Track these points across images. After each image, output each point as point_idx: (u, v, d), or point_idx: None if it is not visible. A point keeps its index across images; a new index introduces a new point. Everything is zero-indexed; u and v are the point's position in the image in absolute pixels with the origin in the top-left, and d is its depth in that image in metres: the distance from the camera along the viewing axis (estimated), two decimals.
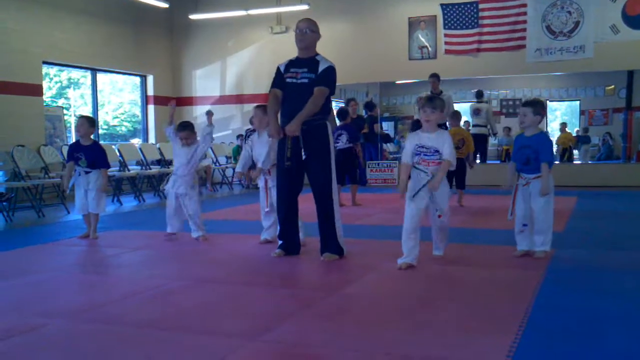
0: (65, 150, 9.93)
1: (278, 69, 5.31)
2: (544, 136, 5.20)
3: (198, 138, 6.50)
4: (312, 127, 5.07)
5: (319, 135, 5.11)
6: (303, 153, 5.05)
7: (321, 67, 5.12)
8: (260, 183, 5.94)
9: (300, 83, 5.13)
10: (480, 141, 12.99)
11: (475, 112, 13.33)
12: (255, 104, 6.08)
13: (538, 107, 5.07)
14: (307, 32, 5.20)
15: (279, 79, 5.25)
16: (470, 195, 9.10)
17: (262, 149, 5.82)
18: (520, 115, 5.10)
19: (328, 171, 5.14)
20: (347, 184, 9.29)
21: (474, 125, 13.29)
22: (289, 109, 5.15)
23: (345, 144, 9.11)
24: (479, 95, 13.64)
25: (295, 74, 5.16)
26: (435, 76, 10.15)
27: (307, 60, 5.20)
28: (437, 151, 4.74)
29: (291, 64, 5.25)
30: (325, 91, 5.08)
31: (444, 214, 4.86)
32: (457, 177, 8.59)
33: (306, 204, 5.44)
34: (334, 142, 9.11)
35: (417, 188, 4.77)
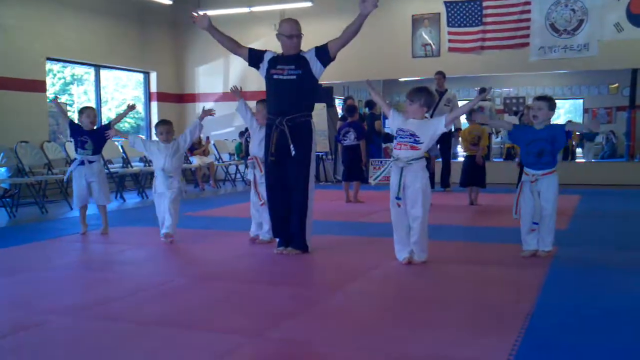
0: (69, 146, 9.96)
1: (266, 51, 5.40)
2: (556, 124, 5.13)
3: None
4: (296, 123, 5.15)
5: (302, 132, 5.17)
6: (292, 149, 5.10)
7: (310, 50, 5.23)
8: (250, 177, 5.96)
9: (287, 79, 5.20)
10: None
11: (479, 109, 13.35)
12: (258, 100, 6.07)
13: (553, 103, 5.04)
14: (298, 39, 5.27)
15: (257, 52, 5.41)
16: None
17: (258, 140, 5.83)
18: (534, 109, 5.01)
19: (306, 168, 5.20)
20: (352, 180, 9.29)
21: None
22: (275, 104, 5.25)
23: (352, 141, 9.12)
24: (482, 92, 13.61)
25: (282, 70, 5.23)
26: (440, 73, 10.32)
27: (293, 57, 5.26)
28: (412, 135, 4.72)
29: (277, 60, 5.31)
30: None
31: (410, 207, 4.72)
32: (474, 173, 8.52)
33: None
34: (342, 139, 9.20)
35: (381, 171, 4.89)
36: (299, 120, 5.16)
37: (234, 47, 5.48)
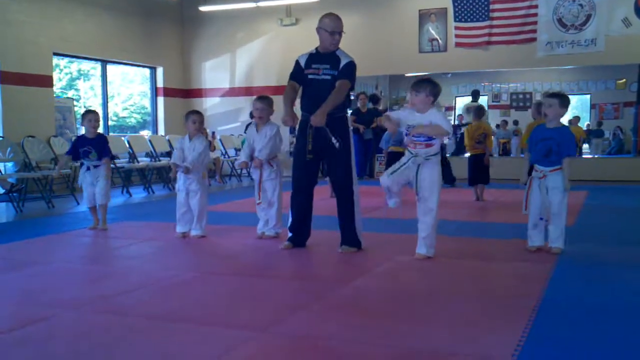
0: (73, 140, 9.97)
1: (297, 62, 5.29)
2: (568, 129, 5.15)
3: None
4: (332, 119, 5.04)
5: (339, 128, 5.08)
6: (335, 142, 5.01)
7: (342, 63, 5.13)
8: (255, 176, 5.93)
9: (322, 79, 5.14)
10: None
11: (469, 110, 13.42)
12: (255, 96, 6.06)
13: (565, 100, 5.02)
14: (340, 36, 5.19)
15: (299, 73, 5.25)
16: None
17: (261, 142, 5.79)
18: (545, 107, 5.02)
19: (348, 164, 5.15)
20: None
21: (467, 124, 13.25)
22: (311, 104, 5.15)
23: None
24: (475, 94, 13.74)
25: (317, 70, 5.16)
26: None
27: (328, 56, 5.18)
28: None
29: (312, 59, 5.23)
30: (348, 84, 5.07)
31: (425, 200, 4.73)
32: (480, 171, 8.52)
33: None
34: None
35: (397, 166, 4.79)
36: (334, 116, 5.05)
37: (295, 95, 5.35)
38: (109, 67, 12.95)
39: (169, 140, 12.36)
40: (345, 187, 5.16)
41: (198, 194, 5.96)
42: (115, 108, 13.86)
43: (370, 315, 3.50)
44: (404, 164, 4.77)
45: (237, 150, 13.77)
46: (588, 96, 17.92)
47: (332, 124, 5.03)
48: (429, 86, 4.73)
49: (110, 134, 12.39)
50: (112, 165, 6.72)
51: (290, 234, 5.41)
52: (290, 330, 3.25)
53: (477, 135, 8.52)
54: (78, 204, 8.80)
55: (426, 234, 4.79)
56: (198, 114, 6.17)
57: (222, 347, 3.00)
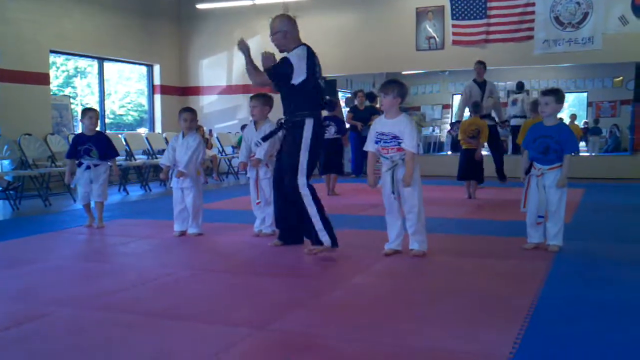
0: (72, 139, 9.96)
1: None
2: (567, 126, 5.16)
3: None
4: (290, 123, 5.08)
5: (293, 131, 5.04)
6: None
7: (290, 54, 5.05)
8: (251, 174, 5.92)
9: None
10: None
11: (514, 102, 13.60)
12: (251, 94, 6.04)
13: (560, 96, 5.02)
14: (274, 36, 5.14)
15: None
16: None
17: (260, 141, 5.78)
18: (542, 105, 5.01)
19: (294, 166, 4.99)
20: (331, 173, 9.59)
21: (514, 117, 13.56)
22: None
23: (332, 134, 9.33)
24: (520, 87, 13.91)
25: None
26: (481, 63, 10.38)
27: (282, 57, 5.14)
28: (394, 137, 4.71)
29: None
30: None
31: (406, 198, 4.76)
32: (472, 166, 8.52)
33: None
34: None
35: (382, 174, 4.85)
36: (292, 119, 5.06)
37: (262, 79, 5.32)
38: (106, 64, 12.92)
39: (165, 138, 12.34)
40: (291, 189, 5.02)
41: (192, 192, 5.93)
42: (112, 106, 13.85)
43: (367, 313, 3.51)
44: (386, 171, 4.82)
45: (234, 148, 13.77)
46: (585, 94, 17.95)
47: (289, 127, 5.07)
48: (397, 87, 4.77)
49: (107, 131, 12.34)
50: (109, 164, 6.65)
51: (278, 231, 5.47)
52: (288, 327, 3.25)
53: (470, 130, 8.55)
54: (74, 201, 8.78)
55: (414, 229, 4.81)
56: (189, 111, 6.13)
57: (219, 344, 3.00)
